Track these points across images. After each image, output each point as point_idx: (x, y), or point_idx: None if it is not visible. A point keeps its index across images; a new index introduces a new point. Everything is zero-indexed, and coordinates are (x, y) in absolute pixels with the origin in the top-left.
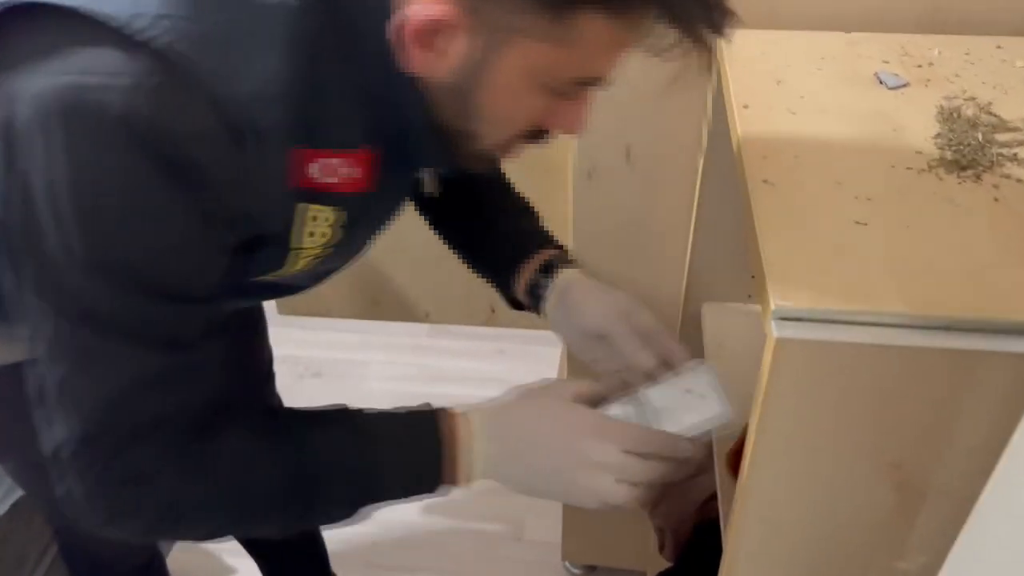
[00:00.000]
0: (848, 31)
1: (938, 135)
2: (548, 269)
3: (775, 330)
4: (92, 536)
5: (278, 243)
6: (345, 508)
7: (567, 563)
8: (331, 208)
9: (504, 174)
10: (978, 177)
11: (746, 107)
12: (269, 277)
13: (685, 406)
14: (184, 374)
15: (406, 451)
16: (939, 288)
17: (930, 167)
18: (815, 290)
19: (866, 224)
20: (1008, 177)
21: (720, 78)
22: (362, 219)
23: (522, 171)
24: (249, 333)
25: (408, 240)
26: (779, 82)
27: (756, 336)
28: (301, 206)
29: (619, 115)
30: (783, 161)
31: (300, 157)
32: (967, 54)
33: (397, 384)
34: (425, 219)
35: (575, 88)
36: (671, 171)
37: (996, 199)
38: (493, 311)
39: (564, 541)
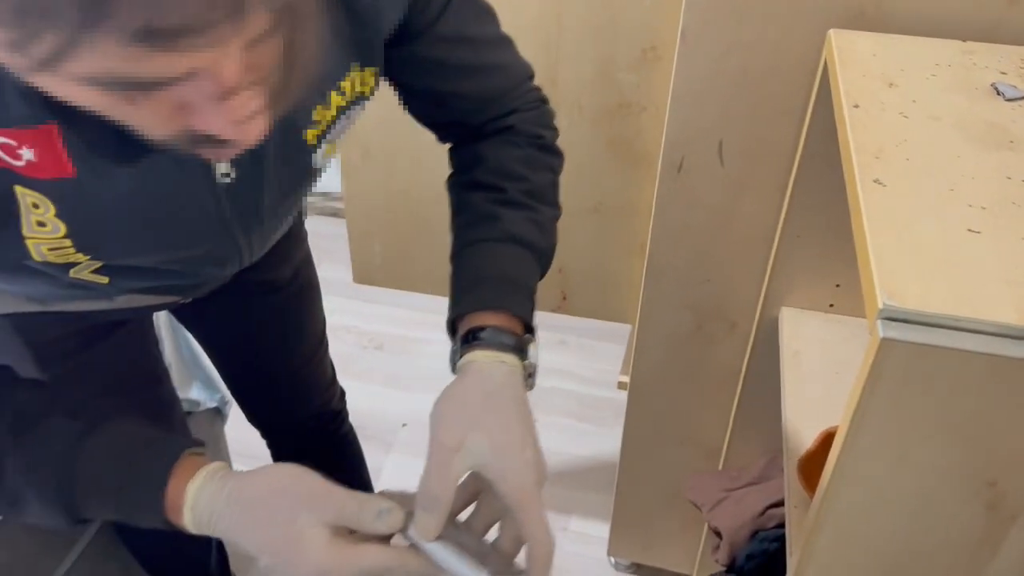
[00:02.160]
0: (964, 39)
1: None
2: (469, 339)
3: (881, 330)
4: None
5: (6, 228)
6: (57, 516)
7: (613, 558)
8: (43, 196)
9: (537, 166)
10: None
11: (856, 107)
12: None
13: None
14: None
15: (125, 492)
16: None
17: None
18: (924, 293)
19: (979, 232)
20: None
21: (829, 76)
22: (95, 215)
23: (612, 159)
24: (283, 314)
25: None
26: (891, 85)
27: (834, 346)
28: (20, 190)
29: (713, 108)
30: (895, 163)
31: None
32: None
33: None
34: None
35: (132, 91)
36: (763, 169)
37: None
38: (564, 298)
39: (612, 536)
